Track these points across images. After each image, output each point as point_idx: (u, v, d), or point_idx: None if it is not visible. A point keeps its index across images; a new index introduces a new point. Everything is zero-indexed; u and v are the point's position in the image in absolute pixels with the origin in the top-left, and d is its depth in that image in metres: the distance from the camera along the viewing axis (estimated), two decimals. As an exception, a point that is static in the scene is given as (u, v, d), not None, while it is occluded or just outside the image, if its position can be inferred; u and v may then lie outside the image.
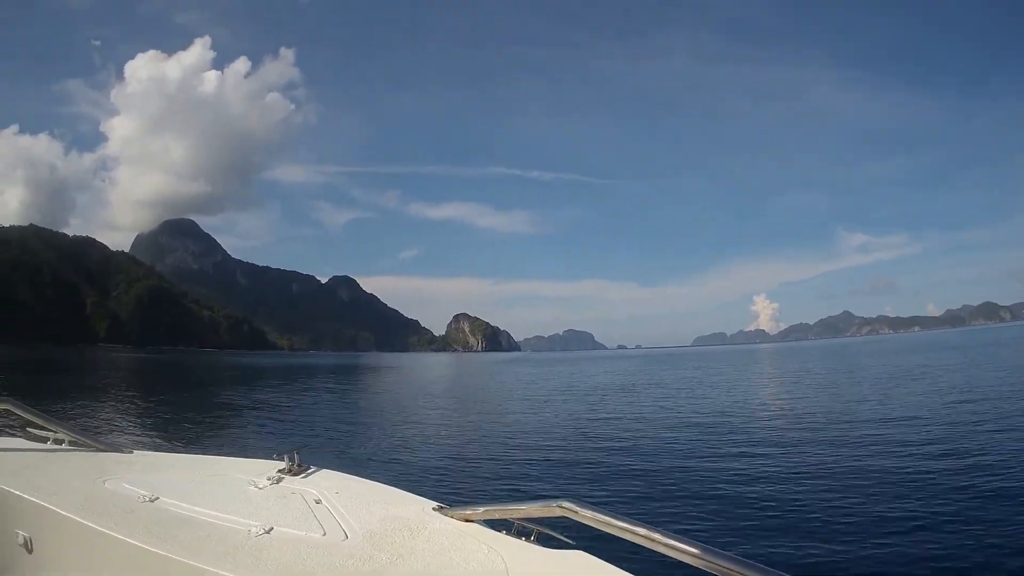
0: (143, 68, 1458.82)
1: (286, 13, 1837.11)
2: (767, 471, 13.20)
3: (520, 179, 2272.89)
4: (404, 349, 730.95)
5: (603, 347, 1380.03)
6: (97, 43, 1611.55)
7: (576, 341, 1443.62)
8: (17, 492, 2.40)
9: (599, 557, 2.08)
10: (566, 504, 2.01)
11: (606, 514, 1.90)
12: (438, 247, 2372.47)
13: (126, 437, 18.56)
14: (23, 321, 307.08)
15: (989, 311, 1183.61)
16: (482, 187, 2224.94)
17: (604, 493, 12.10)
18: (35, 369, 63.43)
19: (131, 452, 3.24)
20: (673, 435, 19.42)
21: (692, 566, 1.69)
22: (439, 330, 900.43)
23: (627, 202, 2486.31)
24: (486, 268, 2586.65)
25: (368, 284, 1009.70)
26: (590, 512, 1.93)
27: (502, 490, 12.66)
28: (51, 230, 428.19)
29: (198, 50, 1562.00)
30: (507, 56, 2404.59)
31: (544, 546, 2.20)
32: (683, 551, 1.70)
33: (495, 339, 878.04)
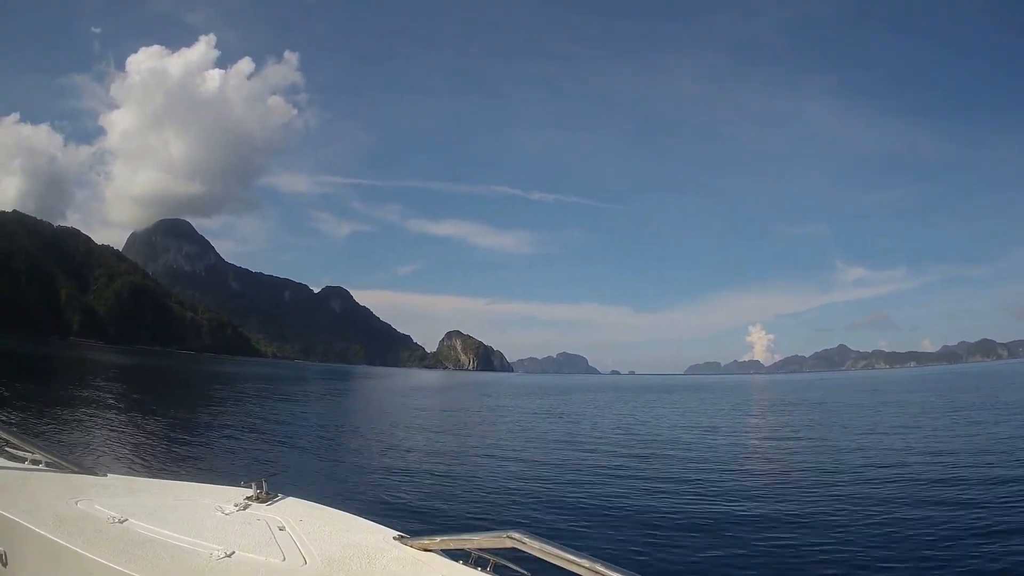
0: (145, 62, 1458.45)
1: (292, 15, 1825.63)
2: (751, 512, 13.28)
3: (521, 199, 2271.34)
4: (395, 364, 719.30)
5: (596, 371, 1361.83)
6: (97, 31, 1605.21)
7: (569, 364, 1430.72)
8: None
9: None
10: (515, 535, 2.06)
11: (554, 546, 1.94)
12: (436, 264, 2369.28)
13: (101, 458, 18.97)
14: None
15: (986, 348, 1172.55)
16: (483, 205, 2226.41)
17: (579, 527, 12.34)
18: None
19: (105, 475, 3.30)
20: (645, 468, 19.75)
21: None
22: (431, 347, 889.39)
23: (625, 226, 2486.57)
24: (482, 287, 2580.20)
25: (362, 297, 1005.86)
26: (538, 543, 1.97)
27: (468, 520, 13.07)
28: (35, 218, 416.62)
29: (202, 48, 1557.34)
30: (512, 70, 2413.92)
31: None
32: None
33: (487, 359, 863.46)
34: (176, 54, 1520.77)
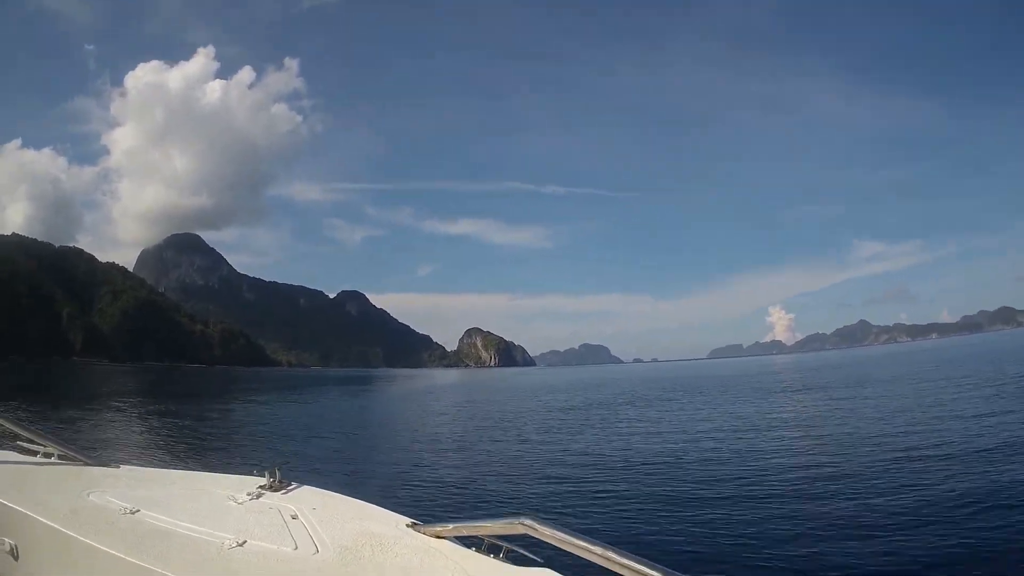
0: (144, 78, 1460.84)
1: (289, 22, 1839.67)
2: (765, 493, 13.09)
3: (534, 194, 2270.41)
4: (416, 365, 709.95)
5: (619, 360, 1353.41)
6: (91, 48, 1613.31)
7: (592, 355, 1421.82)
8: (5, 502, 2.45)
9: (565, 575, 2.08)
10: (527, 521, 2.04)
11: (566, 532, 1.91)
12: (453, 263, 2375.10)
13: (115, 451, 19.17)
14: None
15: (1007, 316, 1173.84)
16: (496, 203, 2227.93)
17: (586, 512, 12.51)
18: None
19: (118, 467, 3.29)
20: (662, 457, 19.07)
21: None
22: (452, 345, 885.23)
23: (640, 215, 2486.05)
24: (501, 284, 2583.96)
25: (379, 300, 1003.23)
26: (549, 529, 1.95)
27: (482, 507, 13.13)
28: (34, 240, 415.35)
29: (201, 60, 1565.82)
30: (517, 70, 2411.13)
31: (512, 563, 2.24)
32: (638, 571, 1.65)
33: (509, 354, 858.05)
34: (175, 68, 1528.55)
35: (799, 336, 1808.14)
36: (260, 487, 2.95)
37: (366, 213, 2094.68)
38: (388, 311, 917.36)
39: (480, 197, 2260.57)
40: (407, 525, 2.59)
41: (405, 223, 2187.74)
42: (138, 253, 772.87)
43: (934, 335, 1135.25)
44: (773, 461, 16.69)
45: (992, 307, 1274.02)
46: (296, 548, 2.25)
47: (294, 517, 2.59)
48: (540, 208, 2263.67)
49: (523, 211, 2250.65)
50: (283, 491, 2.95)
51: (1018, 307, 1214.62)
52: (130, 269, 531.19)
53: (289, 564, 2.11)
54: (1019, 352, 75.89)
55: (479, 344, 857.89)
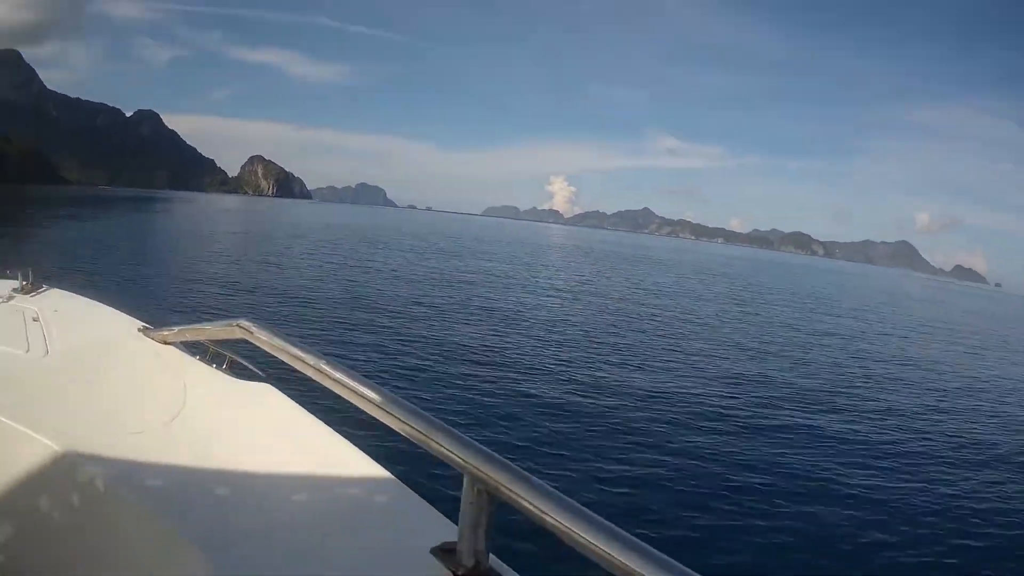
0: None
1: None
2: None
3: (340, 31, 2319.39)
4: (199, 189, 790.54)
5: (393, 204, 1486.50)
6: None
7: (367, 196, 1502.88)
8: None
9: (290, 392, 1.97)
10: (244, 324, 1.88)
11: (282, 338, 1.71)
12: (249, 90, 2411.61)
13: None
14: None
15: (801, 240, 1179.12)
16: (301, 34, 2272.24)
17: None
18: None
19: None
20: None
21: (364, 411, 1.42)
22: (235, 172, 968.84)
23: (442, 64, 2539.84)
24: (291, 114, 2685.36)
25: (172, 121, 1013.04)
26: (266, 335, 1.77)
27: (210, 313, 12.55)
28: None
29: None
30: None
31: (234, 375, 2.13)
32: (351, 388, 1.44)
33: (288, 185, 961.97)
34: None
35: (578, 210, 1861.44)
36: (13, 290, 2.86)
37: (177, 33, 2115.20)
38: (179, 133, 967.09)
39: (286, 27, 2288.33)
40: (139, 329, 2.50)
41: (212, 46, 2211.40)
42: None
43: (720, 240, 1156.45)
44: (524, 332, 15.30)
45: (787, 229, 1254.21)
46: (28, 351, 2.17)
47: (35, 319, 2.49)
48: (342, 45, 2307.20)
49: (325, 47, 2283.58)
50: (33, 293, 2.86)
51: (816, 236, 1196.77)
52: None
53: (17, 366, 2.04)
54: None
55: (259, 173, 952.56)
